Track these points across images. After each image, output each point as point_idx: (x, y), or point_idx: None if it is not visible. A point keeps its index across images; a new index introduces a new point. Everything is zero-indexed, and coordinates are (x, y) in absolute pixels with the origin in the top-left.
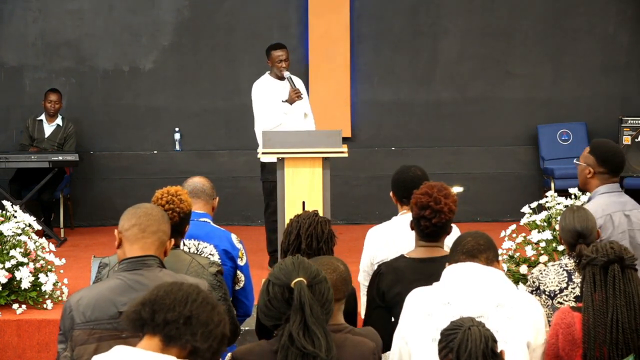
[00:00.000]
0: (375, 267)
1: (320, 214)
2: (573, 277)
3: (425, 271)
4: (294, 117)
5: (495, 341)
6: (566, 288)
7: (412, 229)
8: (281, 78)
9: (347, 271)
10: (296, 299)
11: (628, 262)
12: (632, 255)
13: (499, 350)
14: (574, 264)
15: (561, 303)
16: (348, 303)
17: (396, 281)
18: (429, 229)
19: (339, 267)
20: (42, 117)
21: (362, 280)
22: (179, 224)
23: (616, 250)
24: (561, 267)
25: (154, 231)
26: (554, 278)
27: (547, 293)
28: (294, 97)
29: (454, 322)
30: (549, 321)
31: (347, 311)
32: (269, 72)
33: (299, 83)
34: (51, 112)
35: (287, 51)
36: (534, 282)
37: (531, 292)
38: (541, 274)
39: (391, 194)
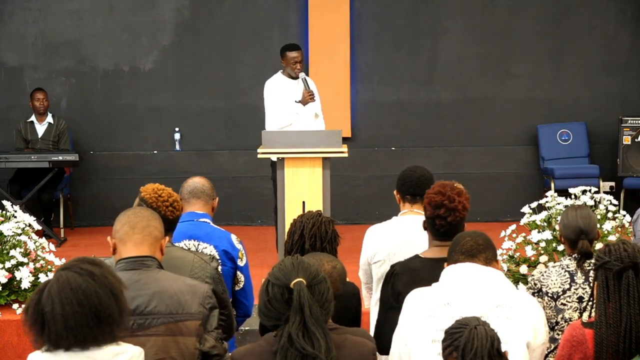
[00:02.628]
0: (373, 265)
1: None
2: (575, 277)
3: (441, 271)
4: (305, 117)
5: (499, 341)
6: (569, 289)
7: (425, 229)
8: (294, 77)
9: (337, 271)
10: (295, 300)
11: None
12: None
13: (502, 350)
14: (575, 264)
15: (564, 304)
16: (351, 303)
17: (412, 281)
18: (444, 227)
19: (325, 267)
20: (33, 118)
21: (361, 278)
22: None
23: (630, 253)
24: (562, 269)
25: (144, 226)
26: (556, 280)
27: (549, 295)
28: (307, 98)
29: (459, 320)
30: (549, 323)
31: (351, 311)
32: (281, 71)
33: (312, 84)
34: (41, 110)
35: (302, 53)
36: (535, 284)
37: (532, 294)
38: (542, 275)
39: (395, 192)
